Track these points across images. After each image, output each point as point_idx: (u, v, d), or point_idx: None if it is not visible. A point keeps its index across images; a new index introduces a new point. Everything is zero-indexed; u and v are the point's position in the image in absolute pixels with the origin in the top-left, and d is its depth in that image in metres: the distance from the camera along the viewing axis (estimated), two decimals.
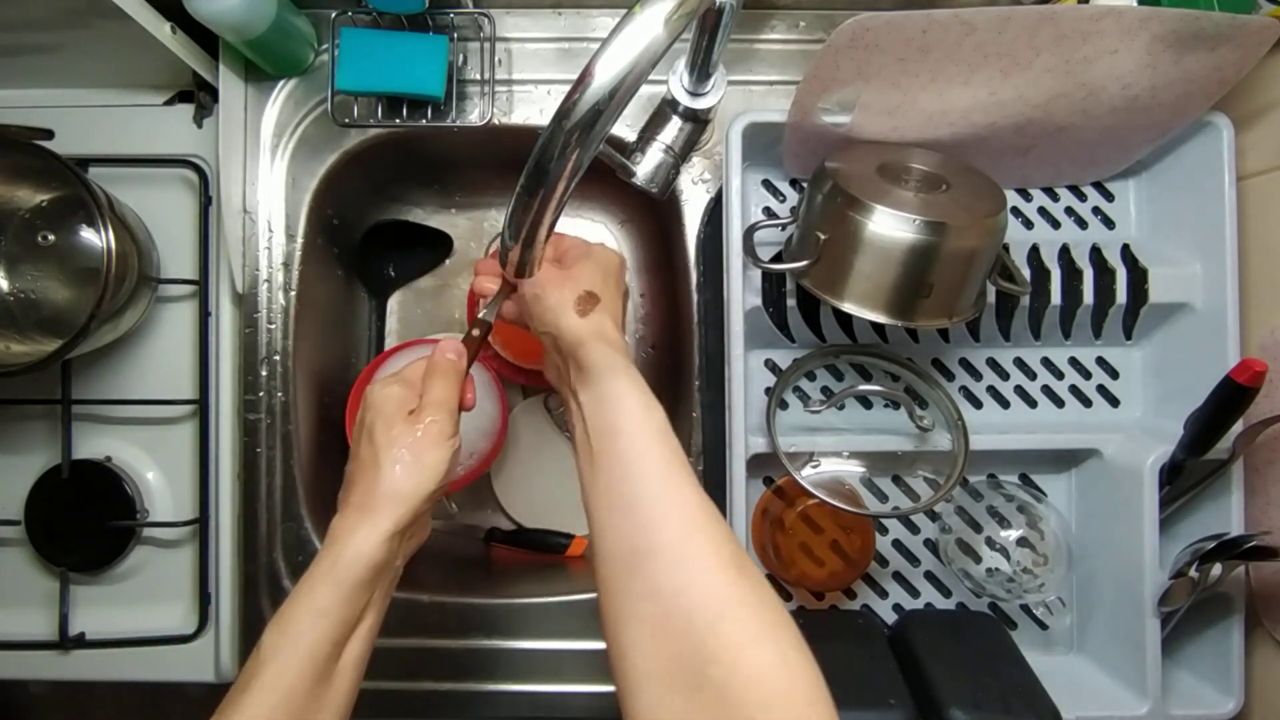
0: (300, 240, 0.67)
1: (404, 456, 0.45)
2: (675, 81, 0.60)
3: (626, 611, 0.40)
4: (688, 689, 0.36)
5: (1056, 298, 0.62)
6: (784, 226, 0.61)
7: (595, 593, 0.69)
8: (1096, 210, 0.66)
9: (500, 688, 0.65)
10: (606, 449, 0.43)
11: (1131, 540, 0.59)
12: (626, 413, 0.44)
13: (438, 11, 0.64)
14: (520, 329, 0.75)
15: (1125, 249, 0.63)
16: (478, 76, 0.66)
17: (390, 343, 0.81)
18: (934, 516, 0.65)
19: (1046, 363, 0.66)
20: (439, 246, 0.81)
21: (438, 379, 0.48)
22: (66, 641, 0.65)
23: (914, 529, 0.66)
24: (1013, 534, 0.62)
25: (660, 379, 0.80)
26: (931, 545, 0.66)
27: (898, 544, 0.66)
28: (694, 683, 0.36)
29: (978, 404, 0.66)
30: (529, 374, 0.74)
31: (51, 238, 0.63)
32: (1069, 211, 0.66)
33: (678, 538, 0.40)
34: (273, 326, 0.67)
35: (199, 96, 0.66)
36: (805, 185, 0.61)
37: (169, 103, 0.67)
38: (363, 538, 0.43)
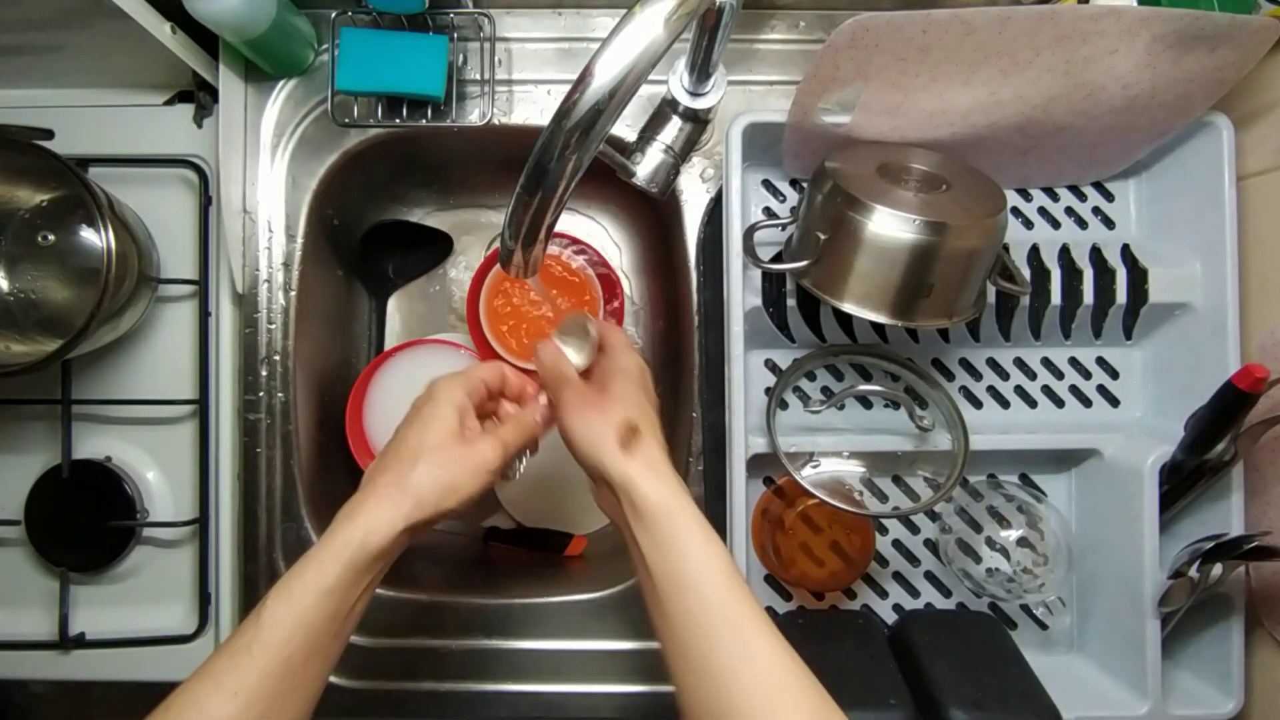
0: (300, 240, 0.67)
1: (443, 468, 0.45)
2: (675, 81, 0.60)
3: None
4: None
5: (1056, 298, 0.62)
6: (784, 226, 0.61)
7: (595, 592, 0.69)
8: (1096, 210, 0.66)
9: (500, 688, 0.65)
10: (675, 604, 0.42)
11: (1131, 540, 0.59)
12: (691, 562, 0.42)
13: (438, 11, 0.64)
14: (519, 328, 0.75)
15: (1125, 249, 0.63)
16: (478, 76, 0.66)
17: (390, 343, 0.81)
18: (934, 516, 0.65)
19: (1046, 363, 0.66)
20: (439, 246, 0.81)
21: (522, 426, 0.49)
22: (66, 641, 0.65)
23: (914, 529, 0.66)
24: (1013, 534, 0.62)
25: (660, 379, 0.80)
26: (931, 545, 0.66)
27: (898, 544, 0.66)
28: None
29: (978, 404, 0.66)
30: (529, 374, 0.74)
31: (51, 238, 0.63)
32: (1069, 211, 0.66)
33: (758, 704, 0.39)
34: (273, 326, 0.67)
35: (199, 96, 0.66)
36: (805, 185, 0.61)
37: (169, 103, 0.67)
38: (382, 523, 0.43)
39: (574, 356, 0.50)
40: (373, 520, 0.43)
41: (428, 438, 0.45)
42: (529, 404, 0.50)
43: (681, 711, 0.42)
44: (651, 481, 0.44)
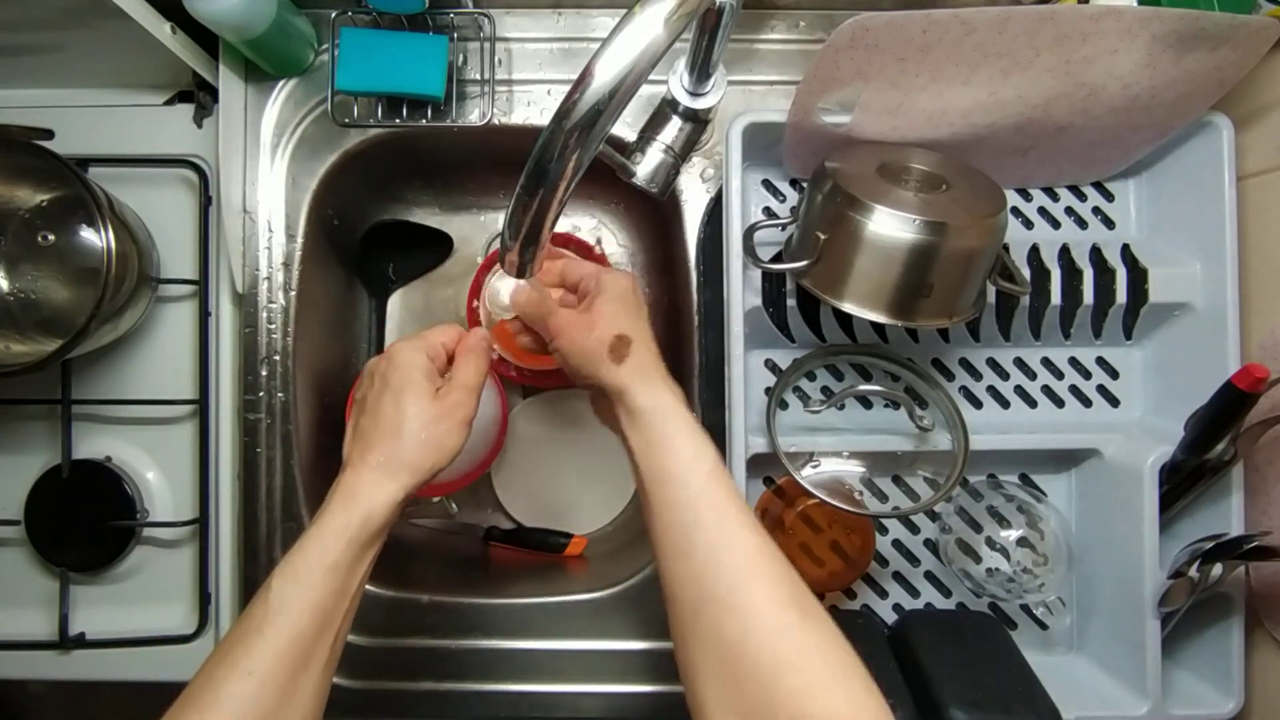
0: (300, 240, 0.67)
1: (428, 432, 0.46)
2: (675, 81, 0.60)
3: (696, 659, 0.40)
4: None
5: (1056, 298, 0.62)
6: (784, 226, 0.61)
7: (595, 592, 0.69)
8: (1096, 210, 0.66)
9: (500, 688, 0.65)
10: (660, 495, 0.44)
11: (1131, 540, 0.59)
12: (677, 457, 0.44)
13: (438, 11, 0.64)
14: (522, 328, 0.75)
15: (1125, 249, 0.63)
16: (478, 76, 0.66)
17: (390, 343, 0.81)
18: (934, 516, 0.65)
19: (1046, 363, 0.66)
20: (439, 246, 0.81)
21: (472, 360, 0.49)
22: (66, 641, 0.65)
23: (914, 529, 0.66)
24: (1013, 534, 0.62)
25: None
26: (931, 545, 0.66)
27: (898, 544, 0.66)
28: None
29: (978, 404, 0.66)
30: (529, 374, 0.74)
31: (51, 238, 0.63)
32: (1069, 211, 0.66)
33: (735, 584, 0.40)
34: (273, 326, 0.67)
35: (199, 96, 0.66)
36: (805, 185, 0.61)
37: (169, 103, 0.67)
38: (382, 501, 0.44)
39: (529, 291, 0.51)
40: (374, 498, 0.44)
41: (405, 406, 0.46)
42: (471, 340, 0.51)
43: (665, 600, 0.43)
44: (642, 386, 0.46)
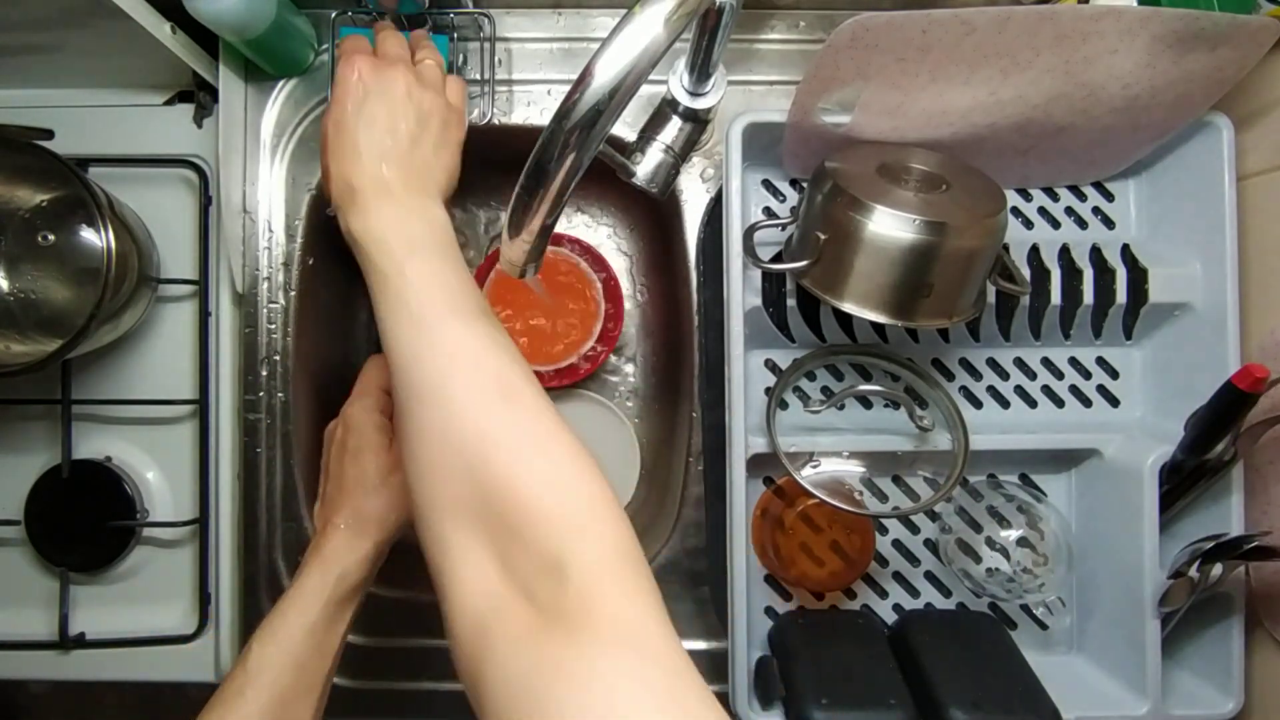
0: (300, 240, 0.67)
1: (389, 485, 0.48)
2: (675, 81, 0.60)
3: (407, 451, 0.39)
4: (473, 521, 0.36)
5: (1056, 298, 0.62)
6: (784, 226, 0.61)
7: None
8: (1096, 210, 0.66)
9: None
10: (374, 292, 0.44)
11: (1131, 540, 0.59)
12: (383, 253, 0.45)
13: (438, 11, 0.64)
14: (519, 325, 0.75)
15: (1125, 249, 0.63)
16: (478, 76, 0.66)
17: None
18: (934, 516, 0.65)
19: (1046, 363, 0.66)
20: None
21: (365, 376, 0.52)
22: (66, 641, 0.65)
23: (914, 529, 0.66)
24: (1013, 534, 0.62)
25: (660, 379, 0.80)
26: (931, 545, 0.66)
27: (898, 544, 0.66)
28: (478, 514, 0.36)
29: (978, 404, 0.66)
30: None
31: (51, 238, 0.63)
32: (1069, 211, 0.65)
33: (432, 382, 0.39)
34: (273, 326, 0.67)
35: (199, 96, 0.66)
36: (805, 185, 0.61)
37: (169, 103, 0.67)
38: (355, 561, 0.46)
39: None
40: (346, 558, 0.47)
41: (365, 465, 0.49)
42: None
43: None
44: (365, 242, 0.45)
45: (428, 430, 0.38)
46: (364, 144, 0.46)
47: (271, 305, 0.67)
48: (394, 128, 0.47)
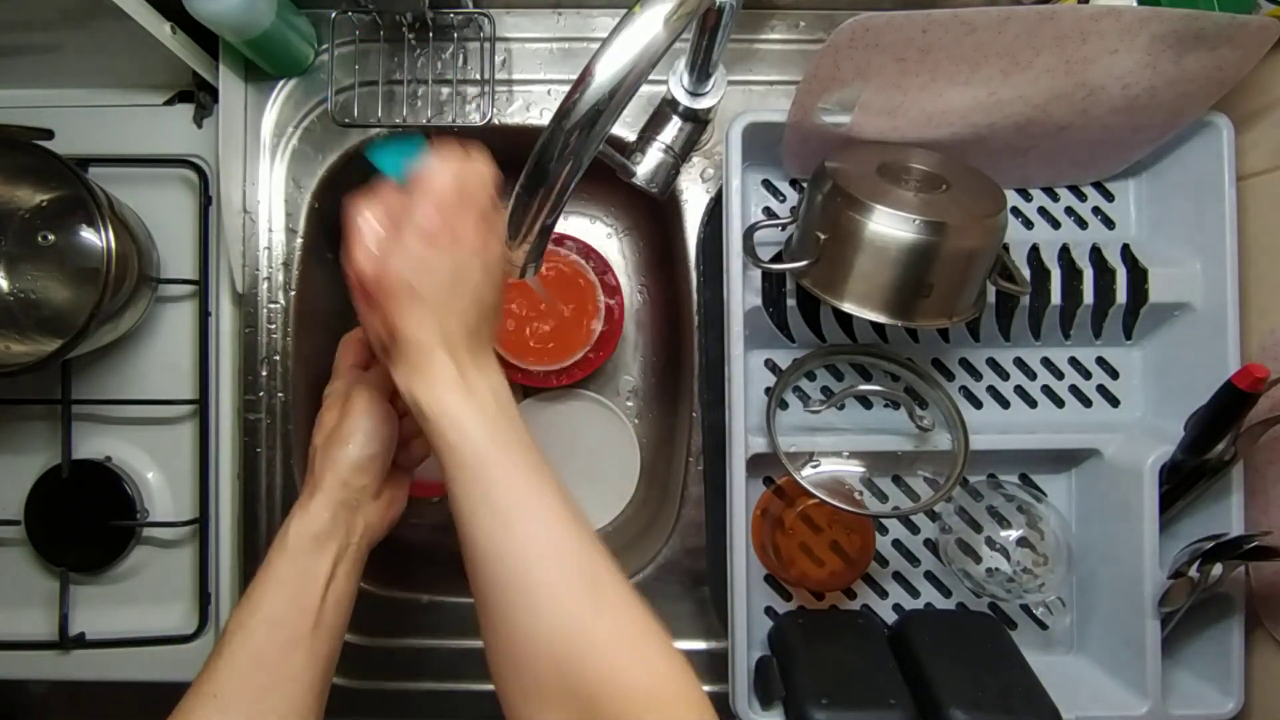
0: (300, 240, 0.67)
1: (325, 437, 0.48)
2: (675, 81, 0.60)
3: (490, 636, 0.40)
4: (562, 708, 0.37)
5: (1056, 298, 0.62)
6: (784, 226, 0.61)
7: None
8: (1096, 210, 0.66)
9: None
10: (446, 468, 0.41)
11: (1131, 540, 0.59)
12: (454, 440, 0.41)
13: (438, 12, 0.64)
14: (519, 325, 0.75)
15: (1125, 249, 0.63)
16: (478, 76, 0.66)
17: None
18: (934, 516, 0.65)
19: (1046, 363, 0.66)
20: None
21: (337, 357, 0.53)
22: (66, 641, 0.65)
23: (914, 529, 0.66)
24: (1013, 534, 0.62)
25: (660, 379, 0.80)
26: (931, 545, 0.66)
27: (898, 544, 0.66)
28: (568, 705, 0.37)
29: (978, 404, 0.66)
30: (529, 374, 0.74)
31: (51, 238, 0.63)
32: (1069, 211, 0.65)
33: (517, 578, 0.39)
34: (273, 326, 0.67)
35: (199, 96, 0.66)
36: (805, 185, 0.61)
37: (169, 103, 0.67)
38: (307, 510, 0.47)
39: None
40: (302, 509, 0.47)
41: (315, 433, 0.50)
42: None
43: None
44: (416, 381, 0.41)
45: (513, 622, 0.38)
46: (428, 293, 0.40)
47: (271, 305, 0.67)
48: (463, 281, 0.41)
